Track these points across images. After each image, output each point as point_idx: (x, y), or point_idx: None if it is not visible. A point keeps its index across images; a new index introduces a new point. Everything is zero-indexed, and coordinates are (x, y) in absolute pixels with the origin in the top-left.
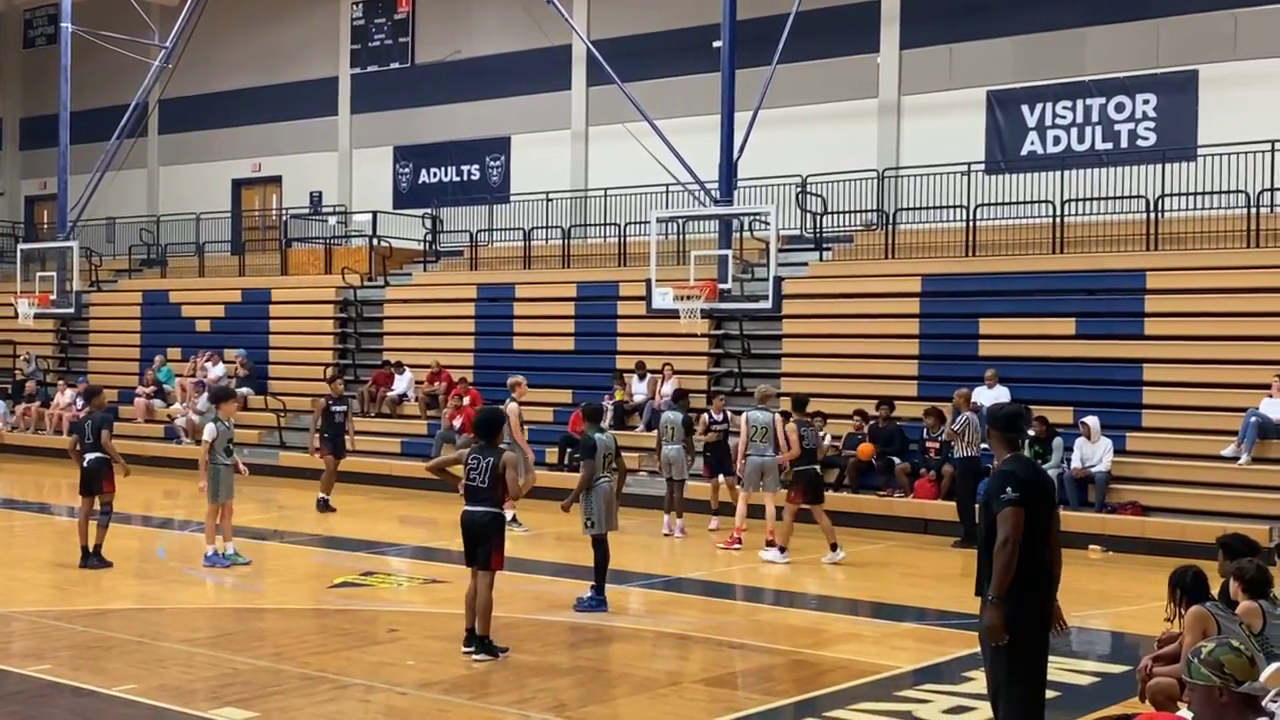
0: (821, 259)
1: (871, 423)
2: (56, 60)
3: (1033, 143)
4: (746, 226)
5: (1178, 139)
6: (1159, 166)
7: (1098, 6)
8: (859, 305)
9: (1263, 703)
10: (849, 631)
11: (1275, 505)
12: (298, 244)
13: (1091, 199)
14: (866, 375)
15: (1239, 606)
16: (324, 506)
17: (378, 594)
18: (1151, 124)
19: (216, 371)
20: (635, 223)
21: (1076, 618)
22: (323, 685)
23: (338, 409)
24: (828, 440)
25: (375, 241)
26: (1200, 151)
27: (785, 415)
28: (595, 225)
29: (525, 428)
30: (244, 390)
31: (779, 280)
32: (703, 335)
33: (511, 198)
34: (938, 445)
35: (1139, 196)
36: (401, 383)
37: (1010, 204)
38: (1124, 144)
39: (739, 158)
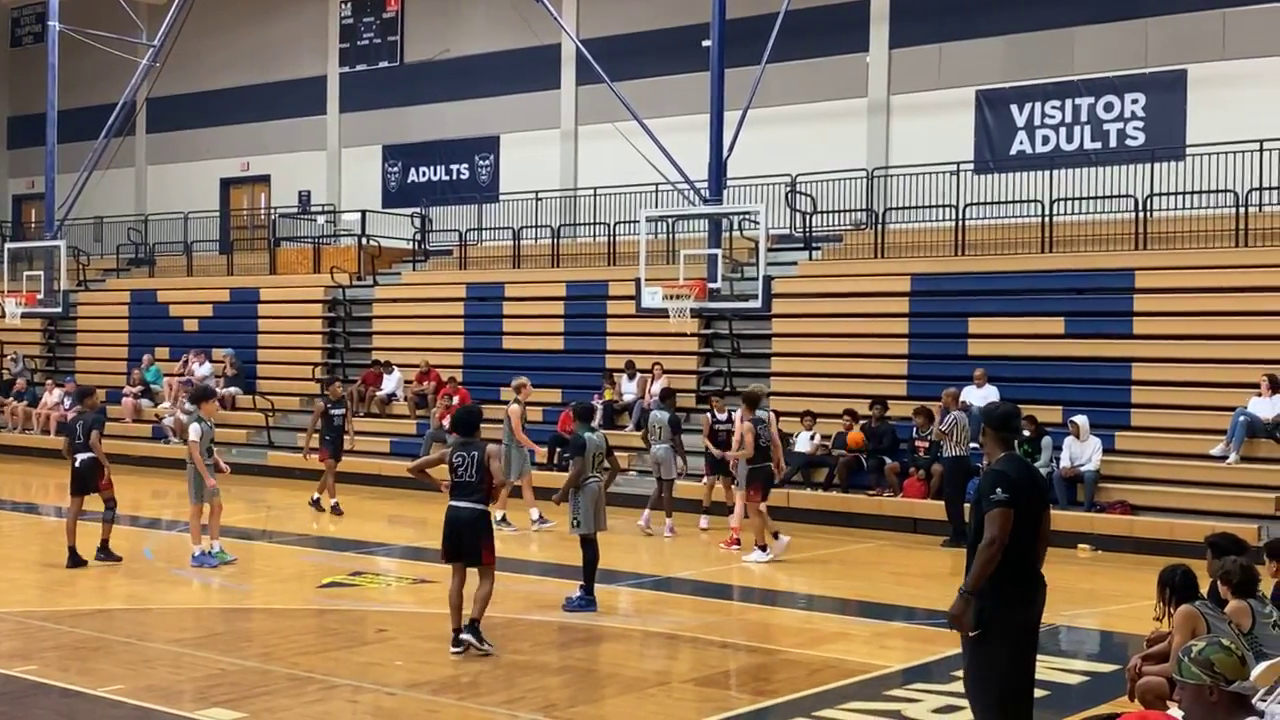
0: (811, 258)
1: (864, 422)
2: (44, 59)
3: (1022, 142)
4: (736, 226)
5: (1166, 139)
6: (1148, 166)
7: (1086, 6)
8: (848, 305)
9: (1252, 701)
10: (838, 631)
11: (1264, 504)
12: (286, 243)
13: (1080, 198)
14: (856, 374)
15: (1228, 605)
16: (318, 506)
17: (366, 594)
18: (1140, 124)
19: (202, 371)
20: (625, 222)
21: (1065, 617)
22: (311, 685)
23: (336, 412)
24: (817, 439)
25: (364, 241)
26: (1189, 151)
27: (776, 414)
28: (585, 224)
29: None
30: (232, 390)
31: (768, 279)
32: (692, 335)
33: (501, 197)
34: (927, 444)
35: (1128, 196)
36: (390, 382)
37: (999, 203)
38: (1113, 143)
39: (728, 157)
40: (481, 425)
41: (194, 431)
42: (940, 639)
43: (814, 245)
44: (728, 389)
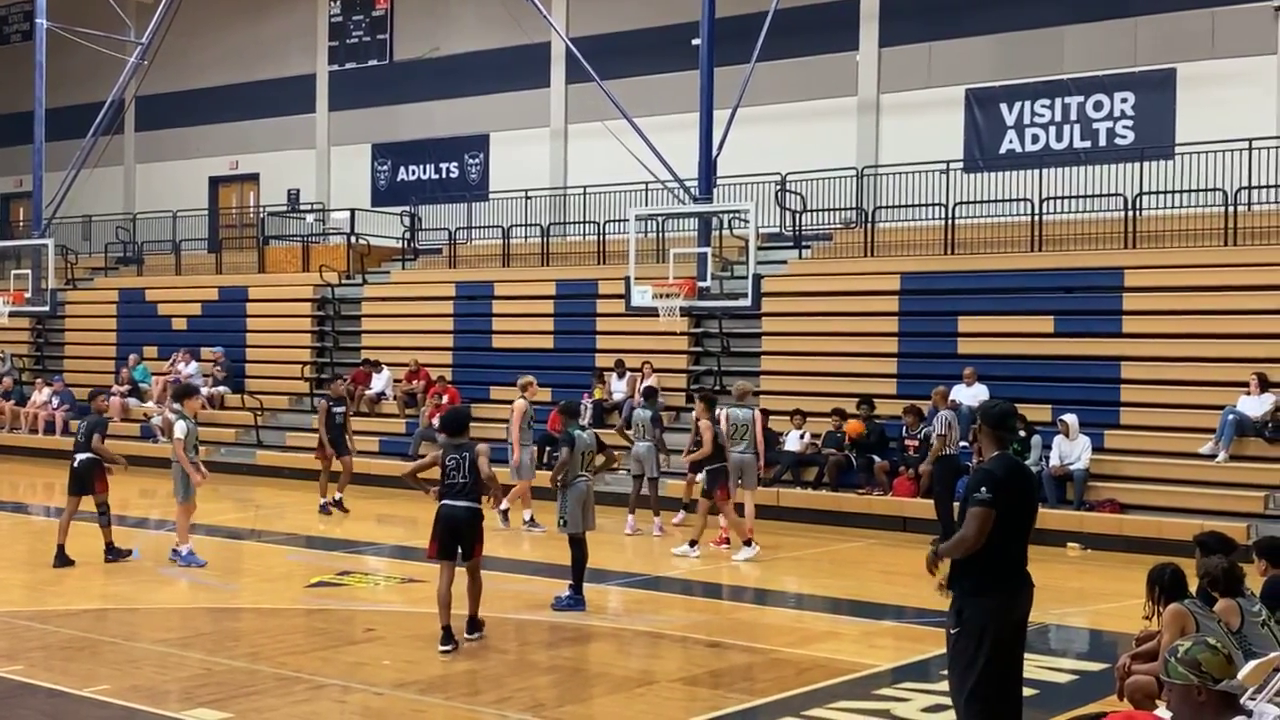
0: (801, 257)
1: (856, 420)
2: (32, 56)
3: (1011, 141)
4: (726, 224)
5: (1156, 137)
6: (1137, 165)
7: (1076, 5)
8: (838, 303)
9: (1240, 700)
10: (828, 630)
11: (1253, 503)
12: (275, 242)
13: (1070, 197)
14: (846, 373)
15: (1217, 604)
16: (339, 507)
17: (354, 593)
18: (1129, 122)
19: (188, 370)
20: (614, 221)
21: (1054, 615)
22: (298, 685)
23: (338, 410)
24: (807, 438)
25: (353, 239)
26: (1178, 150)
27: (765, 413)
28: (574, 223)
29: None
30: (221, 389)
31: (758, 278)
32: (682, 333)
33: (490, 195)
34: (917, 443)
35: (1117, 195)
36: (380, 381)
37: (989, 202)
38: (1102, 142)
39: (718, 155)
40: (470, 424)
41: (179, 429)
42: (930, 638)
43: (804, 244)
44: (717, 387)
